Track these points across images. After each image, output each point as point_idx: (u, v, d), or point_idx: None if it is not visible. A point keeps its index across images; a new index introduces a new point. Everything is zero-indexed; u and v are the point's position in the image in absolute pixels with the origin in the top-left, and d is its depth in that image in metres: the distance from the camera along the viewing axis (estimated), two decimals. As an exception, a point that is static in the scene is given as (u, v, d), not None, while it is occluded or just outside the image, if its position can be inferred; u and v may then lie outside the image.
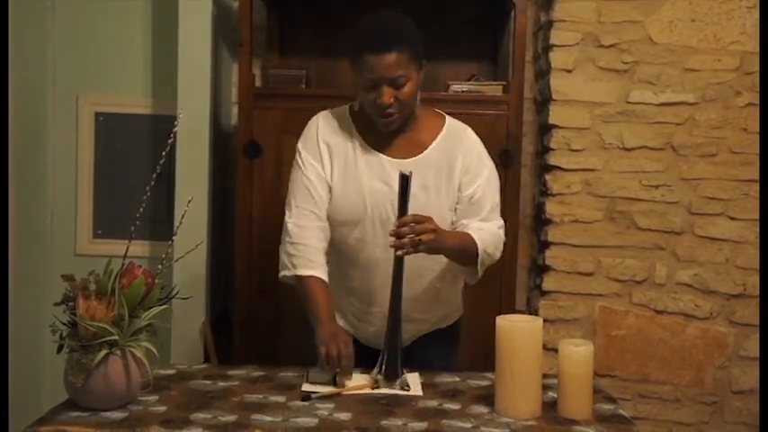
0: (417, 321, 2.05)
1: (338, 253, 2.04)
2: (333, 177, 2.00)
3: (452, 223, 2.01)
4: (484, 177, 2.02)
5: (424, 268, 1.94)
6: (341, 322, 2.04)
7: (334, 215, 1.99)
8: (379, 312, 2.01)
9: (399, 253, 1.80)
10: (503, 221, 2.06)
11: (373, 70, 1.87)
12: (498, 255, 2.02)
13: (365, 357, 1.97)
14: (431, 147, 2.00)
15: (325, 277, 1.95)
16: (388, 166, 1.97)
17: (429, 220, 1.83)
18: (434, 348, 2.07)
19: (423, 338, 2.10)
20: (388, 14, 1.95)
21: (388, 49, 1.86)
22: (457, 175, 2.00)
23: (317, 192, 1.98)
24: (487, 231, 1.98)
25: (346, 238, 2.00)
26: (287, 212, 2.00)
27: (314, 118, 2.06)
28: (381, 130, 1.98)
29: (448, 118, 2.07)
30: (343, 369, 1.81)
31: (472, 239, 1.93)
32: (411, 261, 1.86)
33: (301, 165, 2.01)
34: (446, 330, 2.14)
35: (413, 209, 1.84)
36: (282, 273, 1.98)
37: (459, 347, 2.22)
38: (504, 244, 2.06)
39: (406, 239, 1.78)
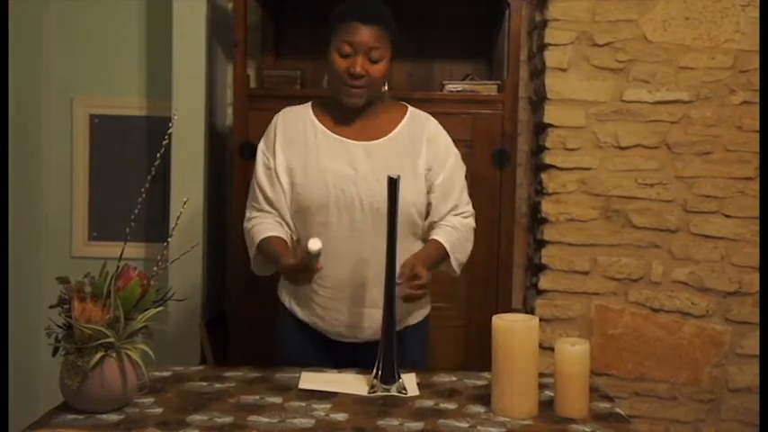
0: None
1: (303, 240, 2.04)
2: (293, 165, 2.03)
3: (422, 214, 2.06)
4: (450, 163, 2.08)
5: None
6: (305, 314, 2.09)
7: (299, 200, 2.02)
8: (345, 299, 2.03)
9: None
10: (472, 207, 2.14)
11: (354, 36, 1.95)
12: (470, 245, 2.11)
13: (334, 354, 2.05)
14: (394, 131, 2.05)
15: (278, 234, 2.01)
16: (351, 149, 2.02)
17: (418, 271, 1.87)
18: (407, 347, 2.01)
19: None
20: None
21: (373, 21, 1.96)
22: (422, 162, 2.04)
23: (262, 189, 2.05)
24: (457, 229, 2.06)
25: (311, 223, 2.02)
26: (246, 212, 2.12)
27: (277, 114, 2.13)
28: (342, 115, 2.04)
29: (410, 107, 2.12)
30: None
31: (441, 247, 2.02)
32: (381, 253, 1.87)
33: (257, 163, 2.09)
34: (416, 328, 2.13)
35: (378, 188, 1.93)
36: (253, 267, 2.08)
37: (429, 347, 2.23)
38: (498, 242, 2.09)
39: (406, 292, 1.86)
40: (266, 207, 2.05)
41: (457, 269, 2.07)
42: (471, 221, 2.13)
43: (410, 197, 1.98)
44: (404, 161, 2.01)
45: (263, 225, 2.03)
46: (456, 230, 2.05)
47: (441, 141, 2.09)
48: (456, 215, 2.08)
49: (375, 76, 1.98)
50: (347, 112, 2.04)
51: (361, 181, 1.98)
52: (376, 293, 1.96)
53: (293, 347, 2.14)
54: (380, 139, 2.03)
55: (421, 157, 2.04)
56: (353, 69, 1.95)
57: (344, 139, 2.03)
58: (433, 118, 2.13)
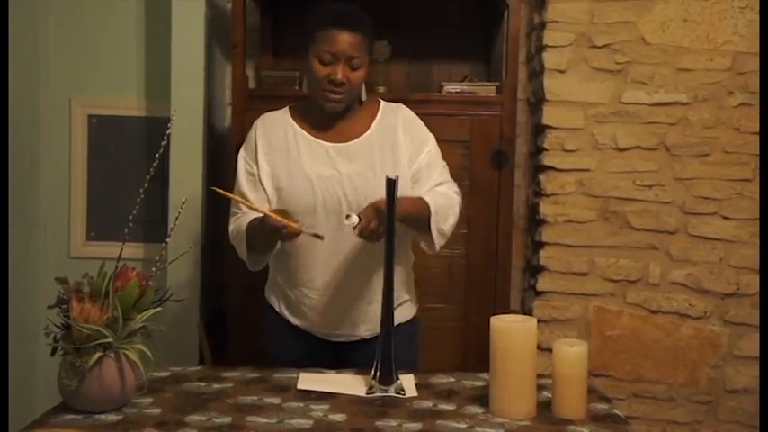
0: (377, 303, 1.96)
1: (292, 249, 2.05)
2: (276, 171, 2.04)
3: None
4: (430, 145, 2.09)
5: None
6: (299, 322, 2.10)
7: (287, 206, 2.01)
8: (338, 300, 2.05)
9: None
10: (457, 186, 2.11)
11: (337, 44, 1.95)
12: (453, 218, 2.04)
13: (325, 353, 2.07)
14: (370, 129, 2.06)
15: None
16: (331, 152, 2.03)
17: (378, 218, 1.83)
18: (397, 346, 1.91)
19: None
20: (350, 4, 2.04)
21: (354, 28, 1.96)
22: (402, 150, 2.05)
23: (244, 196, 2.05)
24: (441, 193, 2.03)
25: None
26: (230, 219, 2.10)
27: (256, 120, 2.14)
28: (321, 119, 2.05)
29: (382, 101, 2.14)
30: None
31: (423, 201, 1.99)
32: (369, 249, 1.94)
33: (239, 171, 2.09)
34: (405, 328, 2.10)
35: (362, 187, 1.96)
36: (248, 263, 2.06)
37: (416, 351, 2.21)
38: (497, 243, 2.06)
39: (368, 237, 1.83)
40: (249, 212, 2.05)
41: (436, 239, 2.00)
42: (458, 197, 2.09)
43: None
44: (383, 156, 2.02)
45: (246, 217, 2.04)
46: (443, 196, 2.04)
47: (416, 129, 2.09)
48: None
49: (355, 82, 2.00)
50: (326, 116, 2.06)
51: (345, 180, 2.00)
52: (367, 290, 2.01)
53: (284, 349, 2.16)
54: (358, 139, 2.05)
55: (400, 147, 2.05)
56: (335, 77, 1.96)
57: (324, 142, 2.05)
58: (404, 107, 2.14)
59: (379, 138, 2.05)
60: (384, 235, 1.82)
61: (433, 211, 1.97)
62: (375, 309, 1.99)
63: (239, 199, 2.01)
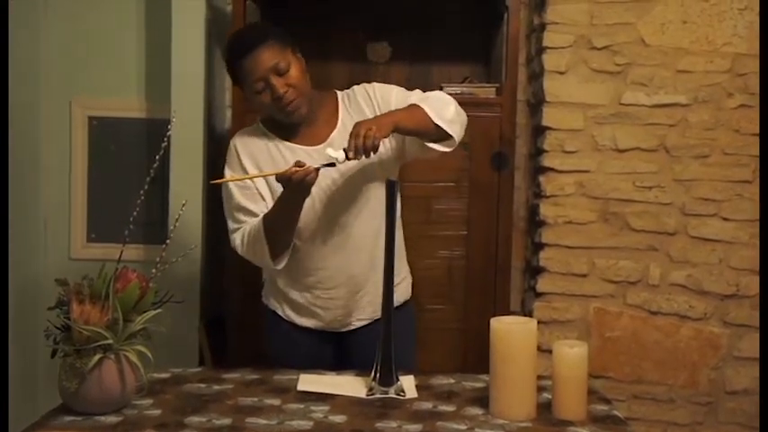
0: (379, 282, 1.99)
1: (295, 255, 2.06)
2: (271, 182, 2.01)
3: (390, 158, 2.07)
4: (394, 92, 2.08)
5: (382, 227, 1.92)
6: (309, 322, 2.12)
7: None
8: (345, 291, 2.08)
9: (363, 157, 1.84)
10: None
11: (255, 70, 1.96)
12: (452, 106, 2.00)
13: (327, 347, 2.11)
14: (339, 119, 2.07)
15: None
16: (315, 155, 2.00)
17: (362, 125, 1.83)
18: (397, 329, 1.92)
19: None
20: (244, 26, 2.07)
21: (254, 45, 1.95)
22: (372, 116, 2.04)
23: (244, 207, 2.04)
24: (430, 97, 2.01)
25: (299, 230, 2.03)
26: (231, 237, 2.07)
27: (231, 141, 2.13)
28: (292, 127, 2.05)
29: (338, 92, 2.14)
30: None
31: (410, 105, 1.97)
32: (368, 222, 2.03)
33: (230, 187, 2.06)
34: (402, 312, 2.11)
35: (348, 169, 1.99)
36: (271, 261, 2.01)
37: (413, 337, 2.23)
38: (496, 244, 2.05)
39: (364, 147, 1.80)
40: (252, 219, 2.04)
41: (446, 126, 1.95)
42: (447, 96, 2.05)
43: (374, 163, 2.00)
44: None
45: (251, 222, 2.02)
46: (428, 98, 2.01)
47: (374, 93, 2.09)
48: None
49: (296, 81, 1.98)
50: (296, 123, 2.06)
51: (332, 170, 1.97)
52: (369, 272, 2.05)
53: (285, 351, 2.17)
54: (332, 135, 2.05)
55: (368, 115, 2.04)
56: (277, 94, 1.96)
57: (305, 147, 2.05)
58: (357, 85, 2.14)
59: (350, 122, 2.02)
60: (378, 140, 1.80)
61: (424, 107, 1.95)
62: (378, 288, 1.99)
63: (242, 177, 2.00)
